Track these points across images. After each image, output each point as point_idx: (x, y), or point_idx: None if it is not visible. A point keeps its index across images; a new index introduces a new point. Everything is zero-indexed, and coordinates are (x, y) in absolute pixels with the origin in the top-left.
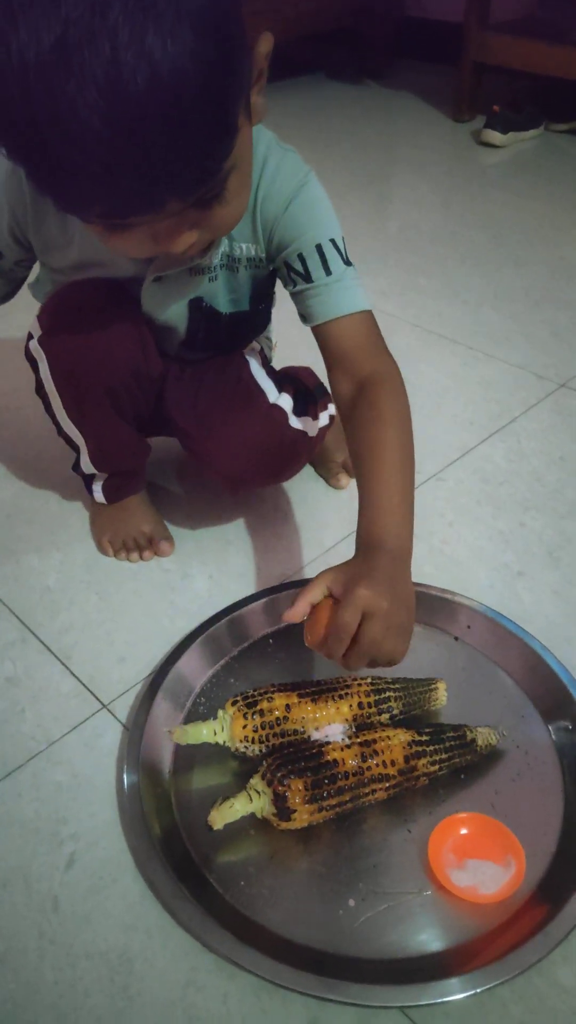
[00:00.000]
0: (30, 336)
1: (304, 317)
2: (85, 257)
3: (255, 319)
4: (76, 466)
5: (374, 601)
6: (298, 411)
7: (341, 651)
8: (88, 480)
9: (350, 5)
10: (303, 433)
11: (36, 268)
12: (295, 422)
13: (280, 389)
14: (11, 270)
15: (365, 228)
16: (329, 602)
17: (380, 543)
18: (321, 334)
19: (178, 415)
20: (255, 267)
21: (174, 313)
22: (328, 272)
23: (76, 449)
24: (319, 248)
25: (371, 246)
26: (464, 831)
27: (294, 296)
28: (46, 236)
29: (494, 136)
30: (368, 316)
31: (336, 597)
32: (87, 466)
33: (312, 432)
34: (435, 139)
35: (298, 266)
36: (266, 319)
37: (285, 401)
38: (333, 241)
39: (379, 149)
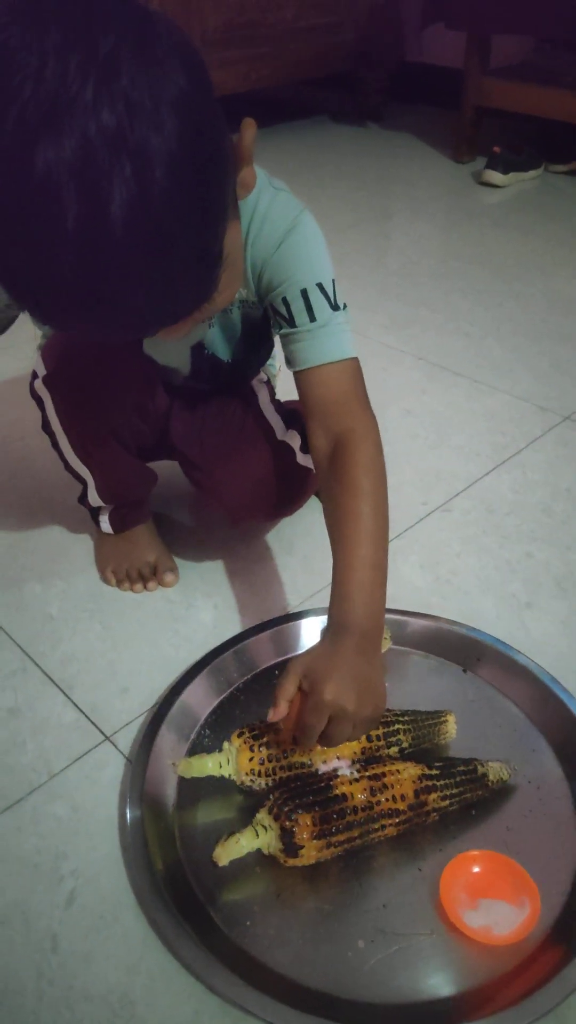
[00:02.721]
0: (35, 375)
1: (288, 362)
2: None
3: (257, 362)
4: (82, 498)
5: (339, 705)
6: (305, 448)
7: (309, 747)
8: (94, 511)
9: (349, 50)
10: (308, 470)
11: None
12: (301, 459)
13: (288, 425)
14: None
15: (367, 264)
16: (300, 696)
17: (348, 625)
18: (301, 381)
19: (184, 446)
20: (248, 308)
21: (176, 357)
22: (312, 318)
23: (83, 483)
24: (304, 293)
25: (373, 281)
26: (476, 869)
27: (281, 339)
28: None
29: (495, 176)
30: (351, 365)
31: (305, 693)
32: (94, 499)
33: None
34: (436, 179)
35: (283, 310)
36: (267, 349)
37: (293, 438)
38: (320, 285)
39: (380, 189)
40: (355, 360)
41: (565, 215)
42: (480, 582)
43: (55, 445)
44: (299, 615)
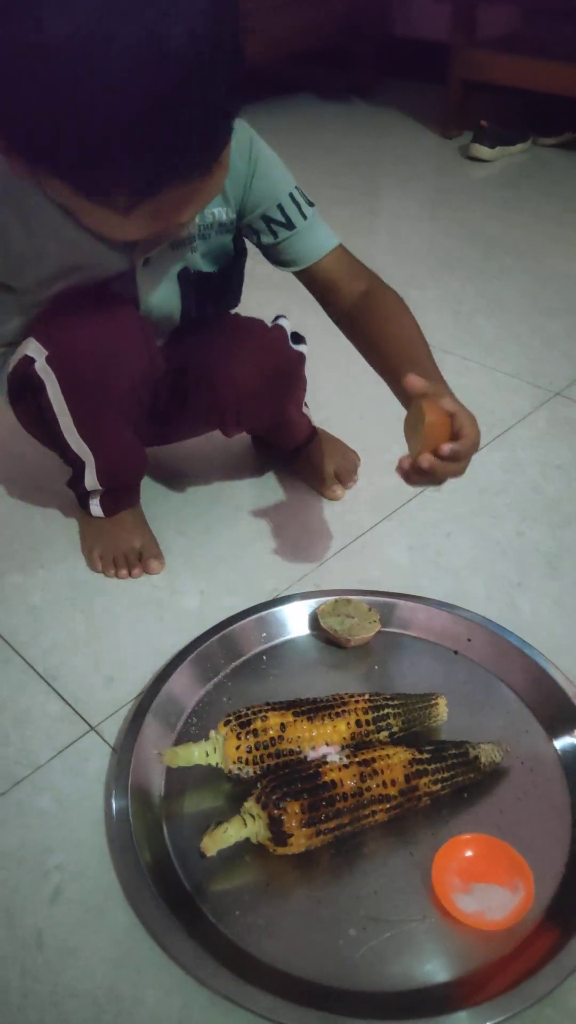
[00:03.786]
0: (31, 360)
1: (288, 263)
2: (65, 263)
3: (233, 277)
4: (73, 483)
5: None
6: (295, 339)
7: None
8: (83, 495)
9: (336, 24)
10: (301, 355)
11: None
12: (293, 345)
13: (275, 319)
14: None
15: (355, 242)
16: (441, 418)
17: (437, 377)
18: (310, 275)
19: (175, 361)
20: (224, 232)
21: (167, 292)
22: (304, 216)
23: (80, 466)
24: (291, 196)
25: (361, 258)
26: (469, 853)
27: (274, 247)
28: (14, 254)
29: (482, 151)
30: (343, 247)
31: (449, 411)
32: (91, 483)
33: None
34: (424, 155)
35: (279, 216)
36: (240, 283)
37: (284, 322)
38: (297, 187)
39: (368, 165)
40: (342, 243)
41: (554, 189)
42: (470, 562)
43: (50, 432)
44: (286, 599)
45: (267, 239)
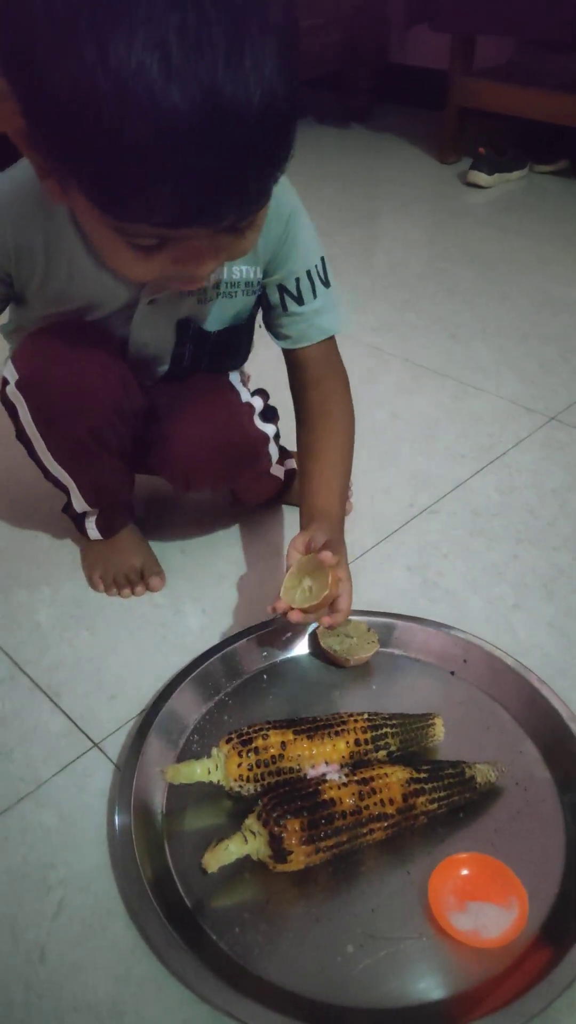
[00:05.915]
0: (5, 382)
1: (282, 337)
2: (70, 288)
3: (239, 338)
4: (67, 507)
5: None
6: (265, 416)
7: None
8: (79, 519)
9: (335, 51)
10: (265, 436)
11: (6, 312)
12: (260, 423)
13: (253, 394)
14: None
15: (354, 266)
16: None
17: (328, 512)
18: (294, 353)
19: (158, 403)
20: (250, 292)
21: (162, 335)
22: (315, 296)
23: (66, 491)
24: (309, 273)
25: (360, 283)
26: (465, 872)
27: (277, 317)
28: (26, 266)
29: (480, 177)
30: (333, 339)
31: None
32: (79, 505)
33: (274, 445)
34: (421, 180)
35: (293, 289)
36: (248, 342)
37: (256, 401)
38: (321, 262)
39: (367, 190)
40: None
41: (550, 216)
42: (467, 584)
43: (31, 453)
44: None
45: (275, 307)
